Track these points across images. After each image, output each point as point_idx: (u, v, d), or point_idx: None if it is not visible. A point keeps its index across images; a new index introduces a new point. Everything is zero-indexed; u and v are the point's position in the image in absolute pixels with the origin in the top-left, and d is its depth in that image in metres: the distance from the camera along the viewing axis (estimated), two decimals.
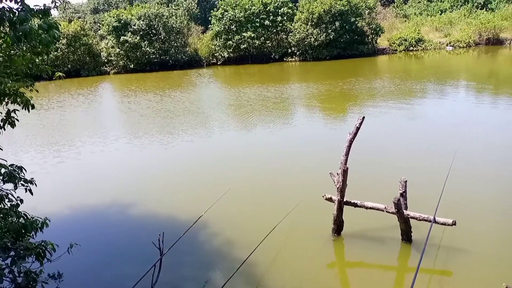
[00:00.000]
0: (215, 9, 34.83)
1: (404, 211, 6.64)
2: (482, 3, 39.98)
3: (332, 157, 8.35)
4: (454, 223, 6.31)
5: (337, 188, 6.95)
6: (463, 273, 6.28)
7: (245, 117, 16.78)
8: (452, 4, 42.15)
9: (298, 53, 32.19)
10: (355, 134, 6.83)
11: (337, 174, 6.95)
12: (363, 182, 9.12)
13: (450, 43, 32.72)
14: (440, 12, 41.61)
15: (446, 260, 6.60)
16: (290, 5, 33.24)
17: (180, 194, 9.71)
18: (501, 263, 6.39)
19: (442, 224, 6.42)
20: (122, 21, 32.33)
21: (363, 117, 6.80)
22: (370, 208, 6.96)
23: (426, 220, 6.48)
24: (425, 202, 7.34)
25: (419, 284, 6.08)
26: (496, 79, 21.92)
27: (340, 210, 7.07)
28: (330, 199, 7.21)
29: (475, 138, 12.29)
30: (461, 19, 35.88)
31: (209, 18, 36.72)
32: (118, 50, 32.67)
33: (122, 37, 32.17)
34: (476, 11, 37.85)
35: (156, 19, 32.57)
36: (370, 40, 32.12)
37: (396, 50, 32.62)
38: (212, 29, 34.91)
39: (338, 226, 7.22)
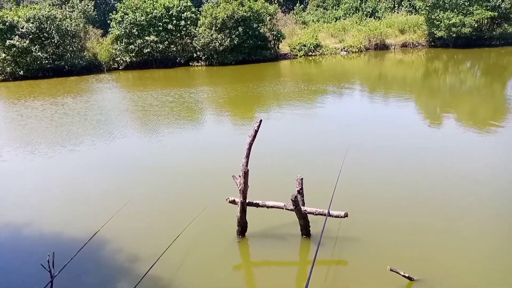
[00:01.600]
0: (115, 12, 33.29)
1: (302, 207, 6.98)
2: (370, 12, 43.97)
3: (236, 160, 8.47)
4: (346, 215, 6.78)
5: (240, 190, 7.06)
6: (358, 262, 6.77)
7: (146, 123, 16.27)
8: (345, 12, 45.68)
9: (203, 57, 32.18)
10: (254, 136, 6.98)
11: (239, 176, 7.05)
12: (265, 182, 9.41)
13: (344, 48, 35.39)
14: (335, 20, 44.80)
15: (342, 251, 7.06)
16: (193, 9, 33.12)
17: (77, 209, 9.03)
18: (390, 250, 7.02)
19: (335, 216, 6.86)
20: (7, 24, 29.25)
21: (261, 120, 6.99)
22: (271, 207, 7.19)
23: (321, 214, 6.87)
24: (322, 197, 7.77)
25: (317, 275, 6.44)
26: (385, 80, 24.20)
27: (243, 211, 7.19)
28: (233, 202, 7.30)
29: (366, 135, 13.38)
30: (353, 26, 39.01)
31: (108, 22, 34.99)
32: (3, 55, 29.50)
33: (8, 41, 29.12)
34: (366, 19, 41.47)
35: (48, 22, 30.05)
36: (272, 45, 33.36)
37: (297, 55, 34.34)
38: (112, 33, 33.29)
39: (242, 227, 7.34)
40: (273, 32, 33.21)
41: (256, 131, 6.94)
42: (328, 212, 6.66)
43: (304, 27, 41.49)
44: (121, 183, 10.43)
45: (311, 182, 8.84)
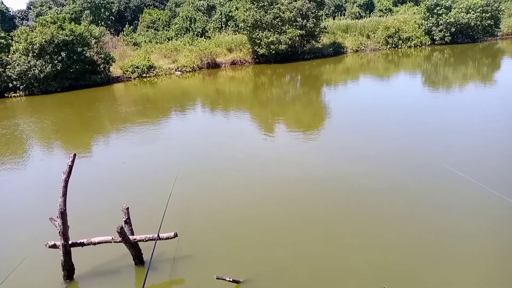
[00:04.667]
0: None
1: (130, 236, 6.87)
2: (201, 32, 45.82)
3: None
4: (175, 235, 6.94)
5: (59, 232, 6.57)
6: (194, 277, 6.99)
7: None
8: (176, 32, 46.54)
9: (22, 87, 28.71)
10: (69, 173, 6.61)
11: (57, 217, 6.56)
12: (93, 217, 8.97)
13: (178, 68, 36.06)
14: (167, 40, 45.27)
15: (179, 270, 7.21)
16: (2, 34, 29.36)
17: None
18: (222, 260, 7.44)
19: (166, 238, 6.96)
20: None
21: (74, 154, 6.66)
22: (98, 243, 6.88)
23: (152, 239, 6.89)
24: (156, 221, 7.78)
25: None
26: (223, 97, 25.49)
27: (67, 254, 6.70)
28: (54, 246, 6.74)
29: (199, 153, 13.88)
30: (185, 46, 40.07)
31: None
32: None
33: None
34: (197, 39, 43.01)
35: None
36: (102, 69, 31.84)
37: (130, 77, 33.53)
38: None
39: (69, 271, 6.84)
40: (101, 55, 31.74)
41: (70, 167, 6.59)
42: (158, 235, 6.72)
43: (136, 49, 40.82)
44: None
45: (143, 208, 8.76)
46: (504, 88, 21.05)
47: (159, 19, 50.32)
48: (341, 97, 22.74)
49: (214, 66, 37.40)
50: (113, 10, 57.43)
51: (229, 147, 14.26)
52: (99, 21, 52.99)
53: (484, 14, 37.52)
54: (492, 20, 38.42)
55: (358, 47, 40.53)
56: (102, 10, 56.30)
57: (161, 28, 49.37)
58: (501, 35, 40.99)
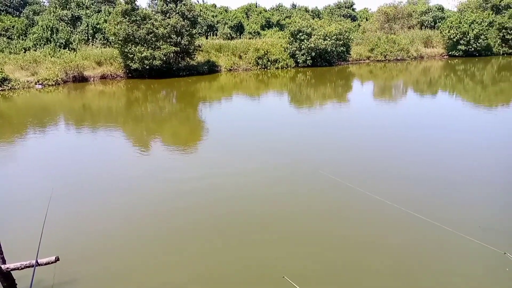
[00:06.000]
0: None
1: (2, 266, 6.03)
2: (64, 43, 42.25)
3: None
4: (57, 259, 6.31)
5: None
6: None
7: None
8: (35, 42, 42.09)
9: None
10: None
11: None
12: None
13: (38, 81, 32.62)
14: (24, 50, 40.63)
15: None
16: None
17: None
18: (108, 285, 6.98)
19: (46, 264, 6.27)
20: None
21: None
22: None
23: (29, 266, 6.15)
24: (31, 247, 6.96)
25: None
26: (91, 112, 23.79)
27: None
28: None
29: (72, 172, 12.80)
30: (46, 58, 36.51)
31: None
32: None
33: None
34: (60, 50, 39.55)
35: None
36: None
37: None
38: None
39: None
40: None
41: None
42: (36, 261, 6.02)
43: None
44: None
45: (16, 234, 7.77)
46: (355, 106, 24.32)
47: (13, 26, 44.94)
48: (216, 113, 23.37)
49: (81, 80, 34.91)
50: None
51: (100, 164, 13.47)
52: None
53: (338, 42, 42.80)
54: (344, 47, 44.07)
55: (232, 66, 42.26)
56: None
57: (16, 37, 44.12)
58: (351, 60, 47.19)
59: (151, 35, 34.86)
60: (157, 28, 35.01)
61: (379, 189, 10.48)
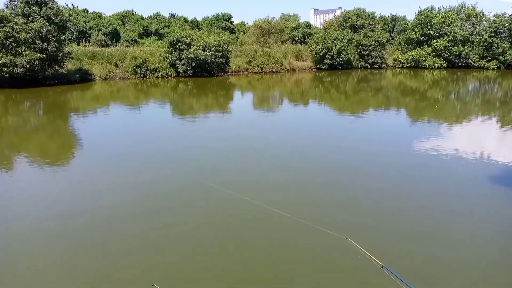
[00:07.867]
0: None
1: None
2: None
3: None
4: None
5: None
6: None
7: None
8: None
9: None
10: None
11: None
12: None
13: None
14: None
15: None
16: None
17: None
18: None
19: None
20: None
21: None
22: None
23: None
24: None
25: None
26: None
27: None
28: None
29: None
30: None
31: None
32: None
33: None
34: None
35: None
36: None
37: None
38: None
39: None
40: None
41: None
42: None
43: None
44: None
45: None
46: (237, 116, 25.15)
47: None
48: (90, 126, 21.83)
49: None
50: None
51: None
52: None
53: (217, 53, 43.67)
54: (224, 59, 45.19)
55: (107, 75, 40.07)
56: None
57: None
58: (231, 71, 48.63)
59: (10, 40, 31.11)
60: (17, 32, 31.41)
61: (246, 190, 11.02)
